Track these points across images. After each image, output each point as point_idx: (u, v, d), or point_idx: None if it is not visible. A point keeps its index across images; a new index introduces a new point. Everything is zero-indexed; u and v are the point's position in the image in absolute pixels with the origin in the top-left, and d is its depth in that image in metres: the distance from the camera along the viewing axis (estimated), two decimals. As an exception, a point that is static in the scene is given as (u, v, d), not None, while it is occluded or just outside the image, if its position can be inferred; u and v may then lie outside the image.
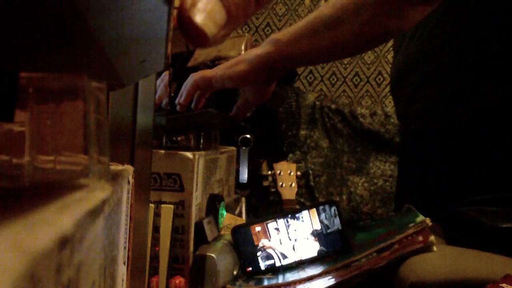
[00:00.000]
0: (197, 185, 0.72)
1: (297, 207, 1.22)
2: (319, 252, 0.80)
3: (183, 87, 0.83)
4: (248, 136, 1.16)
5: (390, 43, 1.82)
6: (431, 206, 0.92)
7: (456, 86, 0.97)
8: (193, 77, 0.82)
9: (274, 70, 0.80)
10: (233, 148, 1.09)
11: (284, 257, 0.79)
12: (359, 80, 1.99)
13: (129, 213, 0.41)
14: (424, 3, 0.73)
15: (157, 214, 0.67)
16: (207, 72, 0.82)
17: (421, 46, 1.03)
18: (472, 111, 0.94)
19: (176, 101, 0.84)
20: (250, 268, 0.78)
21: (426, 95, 1.03)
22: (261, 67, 0.78)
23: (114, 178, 0.33)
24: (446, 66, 0.98)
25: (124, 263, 0.40)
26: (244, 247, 0.78)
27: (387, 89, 1.96)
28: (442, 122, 1.00)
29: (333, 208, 0.81)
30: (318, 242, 0.80)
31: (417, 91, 1.04)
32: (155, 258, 0.66)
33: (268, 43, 0.79)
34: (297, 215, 0.80)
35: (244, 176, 1.15)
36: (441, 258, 0.74)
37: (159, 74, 0.76)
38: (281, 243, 0.79)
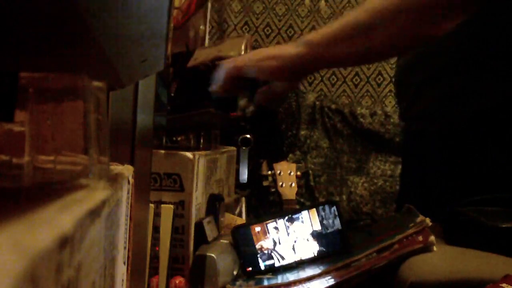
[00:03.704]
0: (197, 185, 0.72)
1: (297, 207, 1.22)
2: (319, 252, 0.80)
3: (216, 76, 0.84)
4: (248, 136, 1.16)
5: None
6: (431, 206, 0.92)
7: (455, 87, 0.97)
8: (225, 66, 0.83)
9: (305, 70, 0.82)
10: (233, 148, 1.09)
11: (284, 257, 0.79)
12: (359, 80, 1.99)
13: (129, 213, 0.41)
14: (461, 10, 0.72)
15: (157, 214, 0.67)
16: (238, 61, 0.84)
17: (423, 47, 1.03)
18: (472, 111, 0.94)
19: (212, 89, 0.85)
20: (250, 268, 0.78)
21: (427, 96, 1.03)
22: (293, 67, 0.80)
23: (114, 178, 0.33)
24: (446, 66, 0.98)
25: (124, 263, 0.40)
26: (244, 247, 0.78)
27: (387, 89, 1.96)
28: (442, 122, 1.00)
29: (333, 208, 0.80)
30: (318, 242, 0.80)
31: (419, 91, 1.04)
32: (155, 258, 0.66)
33: (302, 44, 0.79)
34: (297, 215, 0.80)
35: (244, 176, 1.15)
36: (441, 258, 0.74)
37: (159, 74, 0.76)
38: (281, 243, 0.79)
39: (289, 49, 0.81)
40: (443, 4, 0.73)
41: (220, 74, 0.84)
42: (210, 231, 0.74)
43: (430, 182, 1.01)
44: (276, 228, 0.80)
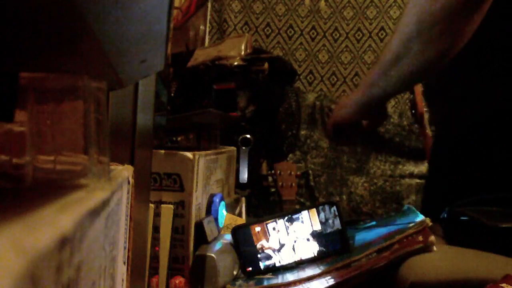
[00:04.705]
0: (197, 185, 0.72)
1: (297, 207, 1.22)
2: (319, 252, 0.80)
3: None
4: (248, 136, 1.16)
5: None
6: (432, 206, 0.92)
7: (457, 89, 0.97)
8: (328, 124, 1.05)
9: (369, 109, 0.95)
10: (233, 148, 1.09)
11: (284, 257, 0.79)
12: (359, 80, 1.99)
13: (129, 213, 0.41)
14: (456, 29, 0.79)
15: (157, 214, 0.67)
16: (331, 117, 1.04)
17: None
18: (472, 113, 0.94)
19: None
20: (250, 268, 0.78)
21: (440, 99, 1.05)
22: (358, 110, 0.95)
23: (114, 178, 0.33)
24: (451, 68, 0.98)
25: (124, 263, 0.40)
26: (244, 247, 0.78)
27: (387, 89, 1.96)
28: (444, 123, 1.00)
29: (333, 208, 0.80)
30: (318, 242, 0.80)
31: (438, 95, 1.07)
32: (155, 258, 0.66)
33: (359, 88, 0.94)
34: (297, 215, 0.80)
35: (244, 176, 1.15)
36: (441, 258, 0.74)
37: (159, 74, 0.76)
38: (280, 243, 0.79)
39: (354, 95, 0.96)
40: (442, 19, 0.79)
41: (328, 130, 1.06)
42: (210, 231, 0.74)
43: (435, 182, 1.02)
44: (276, 228, 0.80)
